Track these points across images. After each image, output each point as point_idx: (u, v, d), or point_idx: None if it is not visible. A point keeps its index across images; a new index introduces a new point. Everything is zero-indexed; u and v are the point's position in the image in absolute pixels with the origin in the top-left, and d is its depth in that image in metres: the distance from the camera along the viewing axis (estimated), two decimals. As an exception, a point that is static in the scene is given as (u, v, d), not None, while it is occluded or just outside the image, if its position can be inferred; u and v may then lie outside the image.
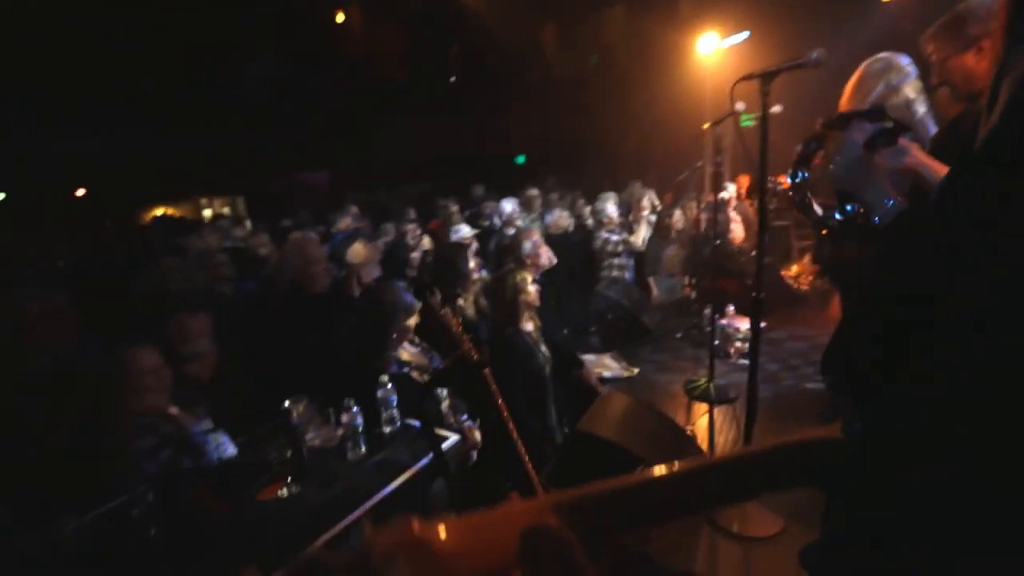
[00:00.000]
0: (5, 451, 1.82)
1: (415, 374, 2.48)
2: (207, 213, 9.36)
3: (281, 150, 9.04)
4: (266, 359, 2.62)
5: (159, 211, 9.12)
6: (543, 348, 2.81)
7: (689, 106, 7.20)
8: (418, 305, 2.23)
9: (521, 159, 10.71)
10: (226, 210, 9.18)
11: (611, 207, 4.83)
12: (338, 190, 8.52)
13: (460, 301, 2.93)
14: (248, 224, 6.49)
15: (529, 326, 2.78)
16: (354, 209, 5.17)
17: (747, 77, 1.92)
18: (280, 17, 8.42)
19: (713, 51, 6.56)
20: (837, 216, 1.47)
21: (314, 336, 2.61)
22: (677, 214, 5.29)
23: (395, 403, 2.23)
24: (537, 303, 2.69)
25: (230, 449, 2.09)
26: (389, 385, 2.24)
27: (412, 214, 5.57)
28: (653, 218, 5.60)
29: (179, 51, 7.65)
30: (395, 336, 2.33)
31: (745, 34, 6.19)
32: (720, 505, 0.50)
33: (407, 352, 2.56)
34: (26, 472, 1.81)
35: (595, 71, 10.40)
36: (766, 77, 1.86)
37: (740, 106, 2.61)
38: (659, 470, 0.46)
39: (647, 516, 0.45)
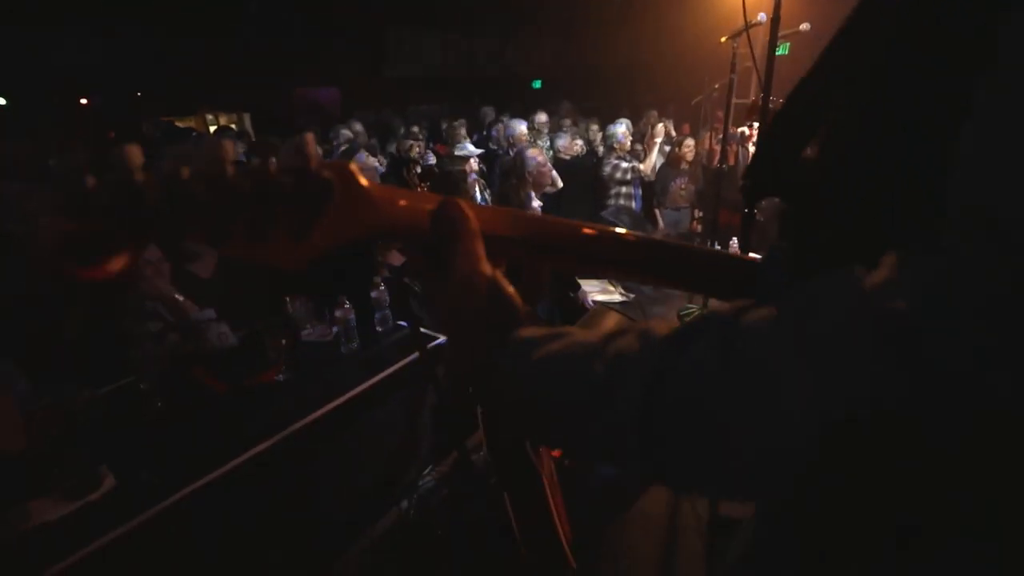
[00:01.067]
0: (27, 332, 1.94)
1: (407, 280, 2.53)
2: (213, 129, 9.24)
3: (288, 64, 8.75)
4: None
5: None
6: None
7: (708, 34, 6.77)
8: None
9: (537, 84, 10.28)
10: (232, 126, 9.03)
11: (622, 132, 4.69)
12: (347, 110, 8.29)
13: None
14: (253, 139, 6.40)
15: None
16: (358, 126, 5.06)
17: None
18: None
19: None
20: None
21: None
22: (689, 143, 5.13)
23: (388, 304, 2.30)
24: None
25: (231, 338, 2.19)
26: (383, 287, 2.30)
27: (419, 132, 5.46)
28: (668, 148, 5.44)
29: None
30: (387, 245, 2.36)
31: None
32: (652, 281, 0.56)
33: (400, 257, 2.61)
34: (45, 351, 1.92)
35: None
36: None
37: (762, 16, 2.45)
38: (611, 230, 0.52)
39: (583, 261, 0.52)
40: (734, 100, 3.31)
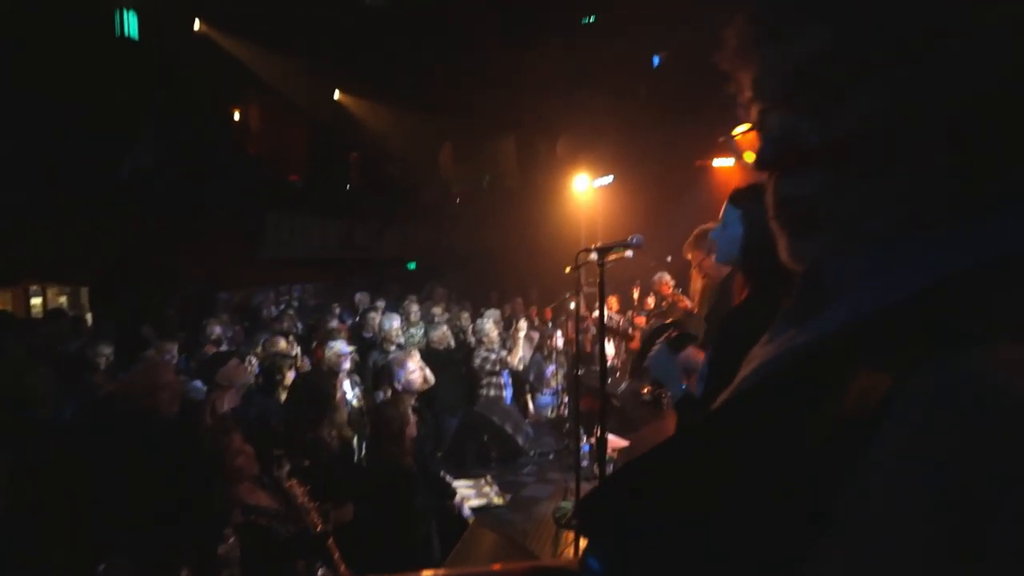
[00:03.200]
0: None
1: (266, 521, 2.29)
2: (36, 302, 7.90)
3: (152, 238, 8.40)
4: (78, 503, 2.29)
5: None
6: (417, 478, 2.77)
7: (568, 232, 8.03)
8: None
9: (412, 265, 10.95)
10: (62, 300, 7.95)
11: (490, 325, 5.07)
12: (212, 288, 7.97)
13: (324, 432, 2.84)
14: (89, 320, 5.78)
15: (408, 460, 2.76)
16: (224, 317, 4.88)
17: (586, 250, 2.29)
18: (171, 105, 8.24)
19: (586, 189, 7.50)
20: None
21: (143, 477, 2.35)
22: (557, 333, 5.65)
23: (237, 562, 2.03)
24: (414, 434, 2.70)
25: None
26: (232, 539, 2.05)
27: (294, 323, 5.37)
28: (536, 334, 5.94)
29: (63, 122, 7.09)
30: (236, 476, 2.17)
31: (609, 178, 7.21)
32: None
33: (258, 494, 2.38)
34: None
35: (487, 189, 11.30)
36: (601, 252, 2.22)
37: (592, 257, 2.98)
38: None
39: None
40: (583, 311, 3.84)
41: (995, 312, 0.33)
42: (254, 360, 3.97)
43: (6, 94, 6.41)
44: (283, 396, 3.52)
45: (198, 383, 3.41)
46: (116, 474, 2.43)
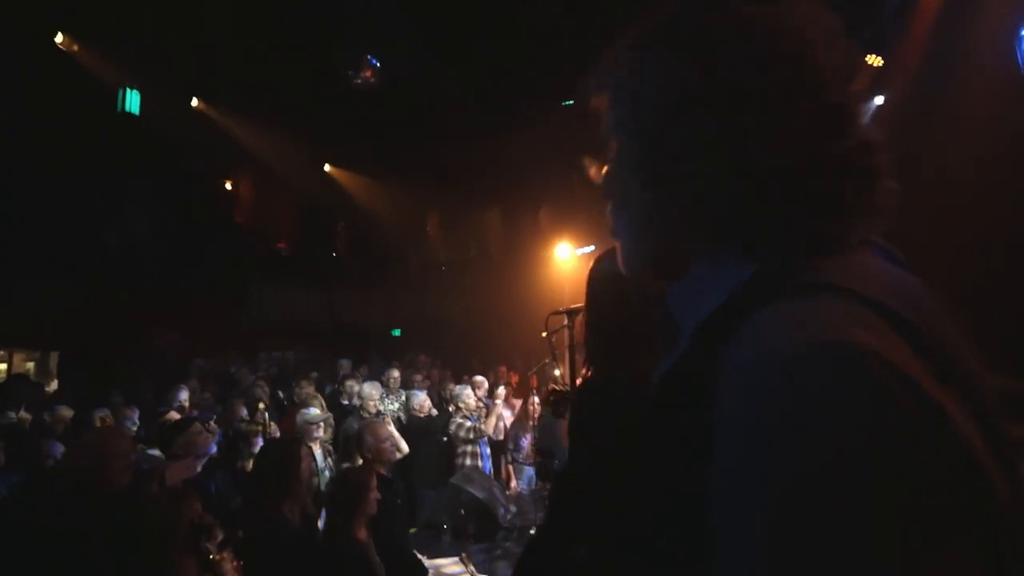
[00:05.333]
0: None
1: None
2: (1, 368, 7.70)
3: (129, 304, 8.27)
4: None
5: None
6: (375, 559, 2.59)
7: (552, 300, 8.08)
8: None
9: (397, 332, 10.86)
10: (30, 366, 7.73)
11: (468, 392, 4.96)
12: (187, 355, 7.77)
13: (286, 507, 2.67)
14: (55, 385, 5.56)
15: (363, 534, 2.59)
16: (193, 382, 4.72)
17: (555, 313, 2.29)
18: (162, 177, 8.42)
19: (569, 257, 7.65)
20: None
21: (85, 552, 2.17)
22: (535, 400, 5.53)
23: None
24: (373, 511, 2.55)
25: None
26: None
27: (265, 389, 5.21)
28: (518, 402, 5.79)
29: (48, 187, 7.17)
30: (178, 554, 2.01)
31: (591, 247, 7.39)
32: None
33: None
34: None
35: (473, 259, 11.47)
36: (571, 314, 2.22)
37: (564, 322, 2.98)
38: None
39: None
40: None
41: (758, 295, 0.42)
42: (218, 429, 3.81)
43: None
44: (246, 466, 3.35)
45: (155, 452, 3.24)
46: (56, 549, 2.25)
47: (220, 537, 1.40)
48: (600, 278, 1.41)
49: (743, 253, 0.48)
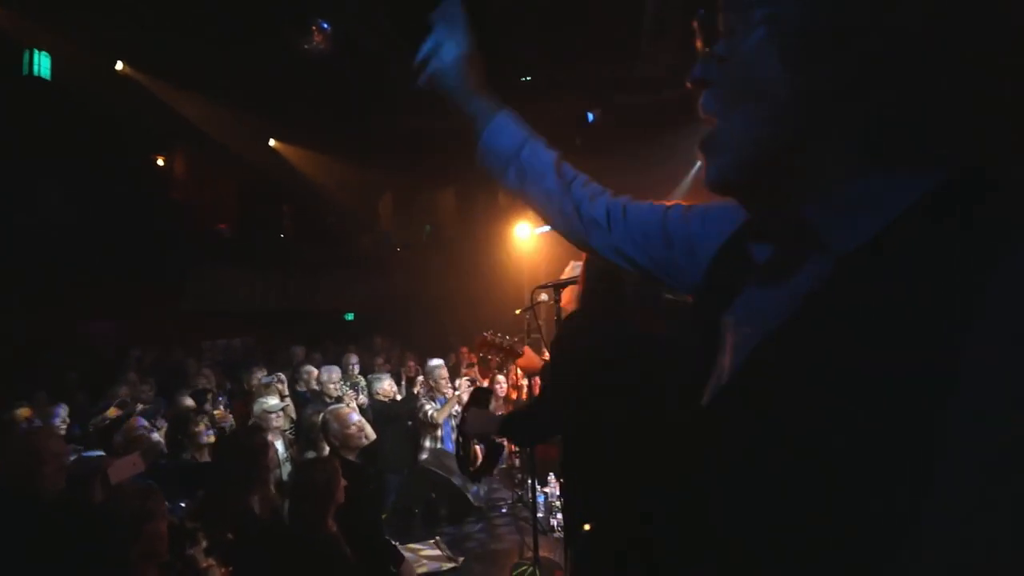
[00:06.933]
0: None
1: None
2: None
3: (55, 292, 7.53)
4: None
5: None
6: (346, 550, 2.46)
7: (511, 279, 8.01)
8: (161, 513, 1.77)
9: (350, 316, 10.50)
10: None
11: (441, 371, 4.87)
12: (124, 345, 7.18)
13: (252, 498, 2.49)
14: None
15: (332, 526, 2.45)
16: (131, 375, 4.33)
17: (540, 287, 2.22)
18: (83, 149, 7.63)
19: (528, 236, 7.58)
20: None
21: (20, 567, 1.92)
22: (499, 379, 5.48)
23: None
24: (342, 500, 2.42)
25: None
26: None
27: (212, 380, 4.88)
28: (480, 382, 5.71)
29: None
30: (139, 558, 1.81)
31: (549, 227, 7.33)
32: None
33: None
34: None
35: (428, 240, 11.20)
36: (557, 287, 2.15)
37: (543, 297, 2.93)
38: None
39: None
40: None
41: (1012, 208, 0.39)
42: (163, 423, 3.53)
43: None
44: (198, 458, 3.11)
45: (94, 453, 2.94)
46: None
47: (204, 543, 1.24)
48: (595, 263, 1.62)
49: (908, 171, 0.44)
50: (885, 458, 0.38)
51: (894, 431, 0.38)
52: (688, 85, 0.52)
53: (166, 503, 1.81)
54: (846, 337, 0.43)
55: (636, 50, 6.53)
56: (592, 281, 1.66)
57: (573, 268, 2.26)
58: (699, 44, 0.52)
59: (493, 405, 5.08)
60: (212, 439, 3.15)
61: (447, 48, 0.78)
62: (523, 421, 1.93)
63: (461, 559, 3.53)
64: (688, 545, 0.55)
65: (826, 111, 0.45)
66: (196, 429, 3.23)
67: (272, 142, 9.28)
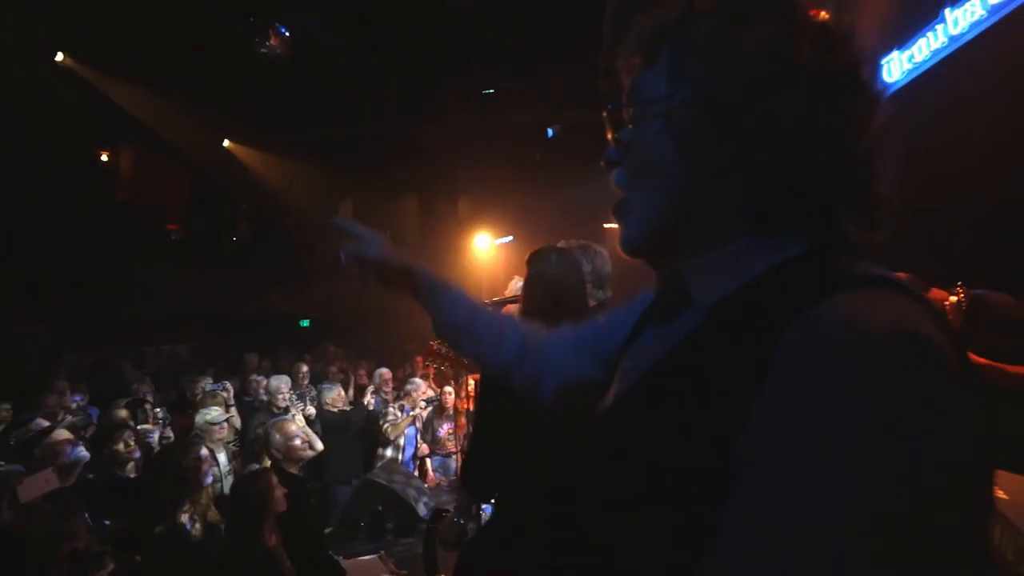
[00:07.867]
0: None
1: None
2: None
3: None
4: None
5: None
6: (286, 564, 2.42)
7: (471, 289, 8.02)
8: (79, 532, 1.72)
9: (305, 323, 10.26)
10: None
11: (421, 389, 4.86)
12: (58, 352, 6.79)
13: (184, 516, 2.42)
14: None
15: (272, 539, 2.41)
16: (61, 384, 4.10)
17: (497, 302, 2.27)
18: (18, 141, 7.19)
19: (488, 247, 7.64)
20: None
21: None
22: (448, 389, 5.48)
23: None
24: (279, 511, 2.38)
25: None
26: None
27: (152, 388, 4.68)
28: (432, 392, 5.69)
29: None
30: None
31: (509, 238, 7.43)
32: None
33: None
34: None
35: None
36: (499, 305, 2.20)
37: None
38: None
39: None
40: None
41: (825, 279, 0.44)
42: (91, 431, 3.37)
43: None
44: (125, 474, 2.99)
45: (15, 467, 2.78)
46: None
47: (111, 566, 1.21)
48: (537, 282, 1.65)
49: (781, 236, 0.50)
50: (671, 507, 0.43)
51: (682, 489, 0.42)
52: (602, 164, 0.60)
53: (88, 522, 1.75)
54: (682, 385, 0.47)
55: (596, 65, 6.70)
56: (533, 301, 1.69)
57: (515, 285, 2.31)
58: (608, 133, 0.60)
59: (440, 421, 5.07)
60: (135, 455, 3.01)
61: (370, 245, 0.86)
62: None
63: (404, 573, 3.51)
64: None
65: (712, 187, 0.51)
66: (115, 447, 3.01)
67: (226, 143, 9.02)
